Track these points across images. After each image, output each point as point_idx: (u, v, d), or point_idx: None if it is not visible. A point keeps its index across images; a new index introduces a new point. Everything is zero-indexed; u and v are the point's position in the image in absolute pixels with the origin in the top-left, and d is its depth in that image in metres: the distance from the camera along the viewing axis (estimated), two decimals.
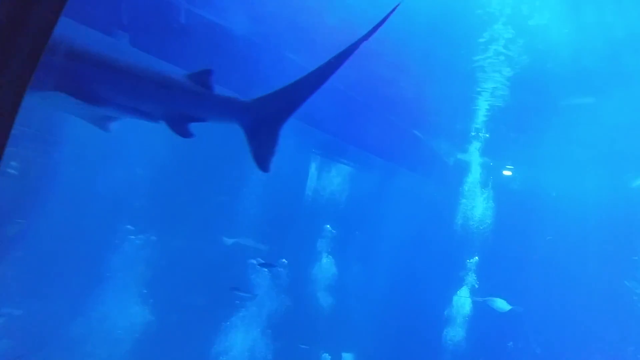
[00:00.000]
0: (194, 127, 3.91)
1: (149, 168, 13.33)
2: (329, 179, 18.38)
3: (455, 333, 15.16)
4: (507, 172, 17.51)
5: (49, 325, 11.55)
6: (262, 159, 3.95)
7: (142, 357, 12.35)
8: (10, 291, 11.31)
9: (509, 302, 14.51)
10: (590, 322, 15.32)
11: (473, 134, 14.81)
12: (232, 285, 12.96)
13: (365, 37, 3.74)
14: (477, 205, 15.99)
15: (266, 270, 13.88)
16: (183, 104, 3.76)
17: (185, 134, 3.78)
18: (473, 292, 15.38)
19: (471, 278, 15.60)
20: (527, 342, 15.94)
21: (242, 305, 13.61)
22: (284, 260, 14.69)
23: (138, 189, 13.46)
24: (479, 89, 12.30)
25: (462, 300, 15.28)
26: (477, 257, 15.65)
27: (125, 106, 3.60)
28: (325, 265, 16.57)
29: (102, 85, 3.24)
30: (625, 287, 15.64)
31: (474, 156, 15.81)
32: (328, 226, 16.88)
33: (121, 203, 13.43)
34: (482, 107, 13.19)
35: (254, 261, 13.94)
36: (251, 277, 13.94)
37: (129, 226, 13.45)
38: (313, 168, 18.38)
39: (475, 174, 16.17)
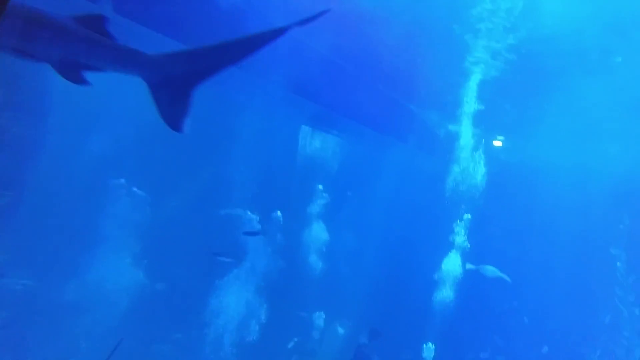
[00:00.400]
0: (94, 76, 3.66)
1: (137, 132, 13.14)
2: (321, 149, 18.41)
3: (445, 298, 15.40)
4: (497, 143, 17.58)
5: (45, 292, 11.61)
6: (173, 119, 3.71)
7: (137, 320, 12.50)
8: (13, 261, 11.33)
9: (498, 271, 14.79)
10: (575, 291, 15.72)
11: (464, 105, 14.76)
12: (215, 250, 12.86)
13: (294, 25, 3.52)
14: (467, 175, 16.07)
15: (255, 237, 13.84)
16: (72, 49, 3.49)
17: (77, 81, 3.55)
18: (464, 259, 15.55)
19: (461, 244, 15.73)
20: (515, 311, 16.36)
21: (235, 268, 13.66)
22: (278, 212, 14.75)
23: (129, 151, 13.30)
24: (471, 60, 12.19)
25: (454, 267, 15.44)
26: (467, 220, 15.76)
27: (4, 46, 3.37)
28: (317, 232, 16.76)
29: None
30: (610, 256, 15.96)
31: (465, 127, 15.79)
32: (320, 187, 16.98)
33: (112, 163, 13.29)
34: (475, 78, 13.11)
35: (248, 214, 13.91)
36: (243, 243, 13.98)
37: (122, 180, 13.33)
38: (305, 138, 18.35)
39: (465, 145, 16.19)
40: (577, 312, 15.70)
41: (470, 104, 14.69)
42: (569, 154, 15.83)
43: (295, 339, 14.44)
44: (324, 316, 15.32)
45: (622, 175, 15.29)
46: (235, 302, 13.51)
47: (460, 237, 15.60)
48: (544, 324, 15.94)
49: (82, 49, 3.40)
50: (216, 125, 15.10)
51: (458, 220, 15.69)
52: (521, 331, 16.01)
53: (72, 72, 3.44)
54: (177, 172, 14.51)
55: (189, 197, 14.36)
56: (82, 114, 12.82)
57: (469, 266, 14.90)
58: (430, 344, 13.74)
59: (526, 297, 15.98)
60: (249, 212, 14.33)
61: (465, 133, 15.79)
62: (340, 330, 15.60)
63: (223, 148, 15.10)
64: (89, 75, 3.53)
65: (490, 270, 14.52)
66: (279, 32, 3.62)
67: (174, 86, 3.61)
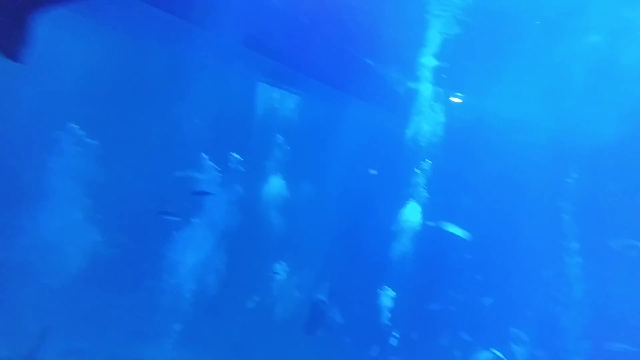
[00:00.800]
0: None
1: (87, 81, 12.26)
2: (279, 105, 18.02)
3: (403, 250, 15.74)
4: (456, 100, 17.70)
5: None
6: (6, 47, 3.20)
7: (91, 277, 12.16)
8: None
9: (457, 227, 15.21)
10: (524, 242, 16.48)
11: (424, 62, 14.65)
12: (161, 209, 12.37)
13: None
14: (425, 132, 16.16)
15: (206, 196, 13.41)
16: None
17: None
18: (422, 212, 15.83)
19: (419, 197, 15.97)
20: (468, 264, 17.05)
21: (191, 221, 13.26)
22: (236, 155, 14.33)
23: (79, 98, 12.45)
24: (431, 16, 11.97)
25: (412, 219, 15.66)
26: (424, 175, 15.95)
27: None
28: (275, 186, 16.60)
29: None
30: (558, 207, 16.69)
31: (425, 85, 15.74)
32: (279, 140, 16.72)
33: (56, 110, 12.42)
34: (435, 34, 12.94)
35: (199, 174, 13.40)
36: (197, 201, 13.56)
37: (73, 125, 12.48)
38: (262, 94, 17.87)
39: (424, 102, 16.21)
40: (525, 262, 16.52)
41: (429, 60, 14.59)
42: (524, 110, 16.18)
43: (255, 298, 14.50)
44: (283, 271, 15.37)
45: (572, 131, 15.82)
46: (191, 261, 13.26)
47: (418, 190, 15.81)
48: (494, 276, 16.74)
49: None
50: (172, 82, 14.42)
51: (415, 174, 15.86)
52: (473, 283, 16.81)
53: None
54: (131, 128, 13.83)
55: (144, 153, 13.79)
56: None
57: (429, 223, 15.21)
58: (389, 289, 14.01)
59: (479, 251, 16.64)
60: (205, 158, 13.75)
61: (425, 90, 15.76)
62: (298, 286, 15.78)
63: (180, 105, 14.52)
64: None
65: (449, 226, 14.91)
66: None
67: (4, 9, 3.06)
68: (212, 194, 13.31)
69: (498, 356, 12.34)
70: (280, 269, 15.07)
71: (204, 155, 13.66)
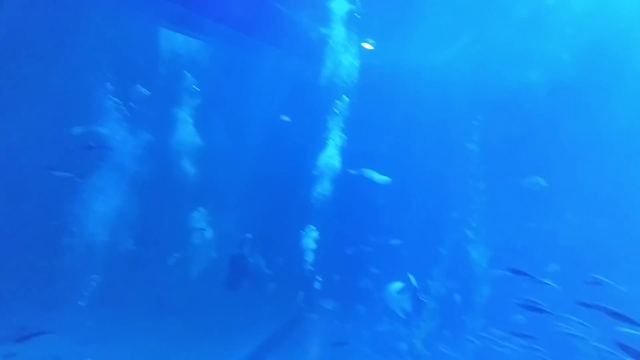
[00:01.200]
0: None
1: None
2: (185, 52, 17.01)
3: (323, 195, 15.89)
4: (367, 46, 17.69)
5: None
6: None
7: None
8: None
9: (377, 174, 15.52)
10: (436, 185, 17.31)
11: (336, 6, 14.41)
12: (49, 165, 10.97)
13: None
14: (339, 78, 16.11)
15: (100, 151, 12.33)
16: None
17: None
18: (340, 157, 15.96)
19: (336, 142, 16.06)
20: (382, 209, 17.70)
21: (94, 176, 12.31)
22: (145, 91, 13.27)
23: None
24: None
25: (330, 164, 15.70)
26: (340, 119, 16.02)
27: None
28: (188, 134, 15.97)
29: None
30: (465, 150, 17.53)
31: (338, 30, 15.54)
32: (190, 85, 15.94)
33: None
34: None
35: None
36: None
37: None
38: (167, 40, 16.77)
39: (337, 48, 16.06)
40: (438, 204, 17.41)
41: (341, 5, 14.37)
42: (436, 55, 16.58)
43: (176, 255, 14.13)
44: (205, 224, 14.94)
45: (478, 74, 16.49)
46: (98, 218, 12.48)
47: (335, 134, 15.89)
48: (409, 218, 17.55)
49: None
50: (68, 29, 13.16)
51: (334, 116, 15.88)
52: (390, 226, 17.56)
53: None
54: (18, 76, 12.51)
55: (34, 104, 12.57)
56: None
57: (351, 171, 15.38)
58: (312, 229, 14.10)
59: (393, 195, 17.25)
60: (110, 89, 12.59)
61: (338, 36, 15.58)
62: (219, 239, 15.52)
63: (76, 53, 13.31)
64: None
65: (370, 173, 15.15)
66: None
67: None
68: (108, 148, 12.28)
69: (412, 282, 12.96)
70: (201, 221, 14.62)
71: (108, 86, 12.54)
